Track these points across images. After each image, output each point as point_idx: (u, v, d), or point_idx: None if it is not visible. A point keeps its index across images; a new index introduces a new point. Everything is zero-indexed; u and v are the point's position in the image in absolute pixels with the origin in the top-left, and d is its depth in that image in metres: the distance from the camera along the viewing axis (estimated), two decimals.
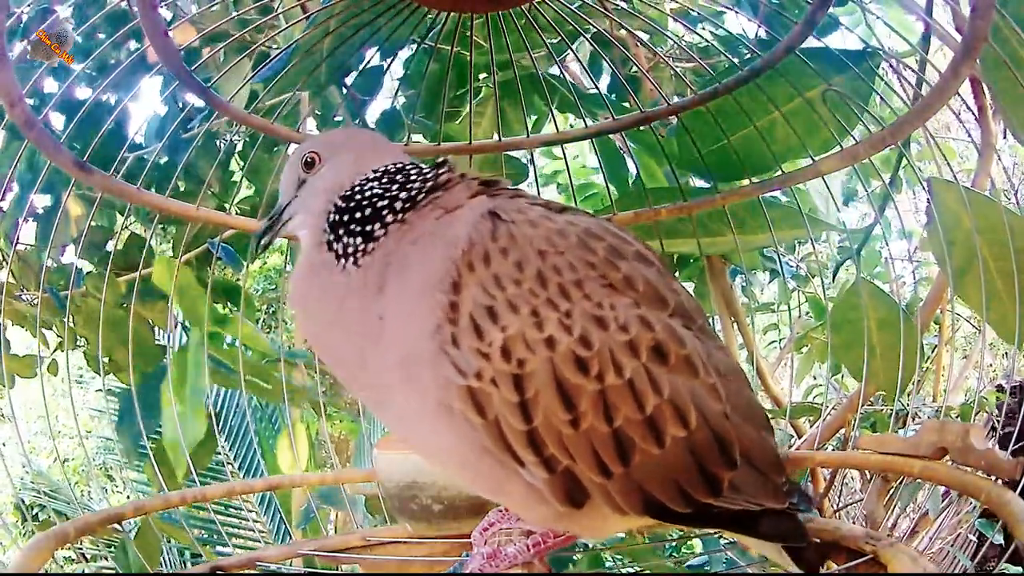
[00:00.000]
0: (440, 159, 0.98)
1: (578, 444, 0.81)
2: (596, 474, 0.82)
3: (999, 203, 1.38)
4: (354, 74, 1.89)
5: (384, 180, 0.94)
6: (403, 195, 0.92)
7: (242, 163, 2.24)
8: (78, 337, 2.10)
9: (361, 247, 0.89)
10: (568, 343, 0.81)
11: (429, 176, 0.94)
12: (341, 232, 0.91)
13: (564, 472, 0.82)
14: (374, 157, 0.98)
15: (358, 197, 0.93)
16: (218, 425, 3.59)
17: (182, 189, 1.96)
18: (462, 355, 0.81)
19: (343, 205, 0.93)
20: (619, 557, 2.15)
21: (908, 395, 1.43)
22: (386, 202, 0.91)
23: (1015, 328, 1.29)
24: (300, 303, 0.96)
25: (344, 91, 1.96)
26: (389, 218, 0.90)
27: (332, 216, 0.93)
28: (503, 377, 0.80)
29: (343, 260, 0.90)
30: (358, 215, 0.91)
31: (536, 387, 0.80)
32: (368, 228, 0.90)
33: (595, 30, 1.87)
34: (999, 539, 2.42)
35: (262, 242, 1.03)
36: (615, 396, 0.81)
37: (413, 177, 0.94)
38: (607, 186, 1.82)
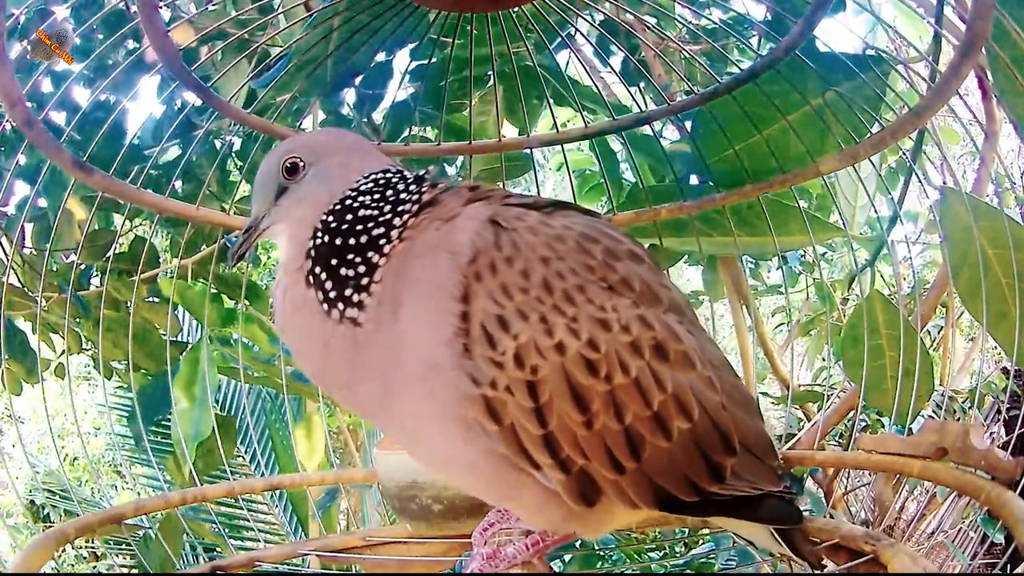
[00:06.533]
0: (419, 172, 0.95)
1: (592, 444, 0.83)
2: (610, 471, 0.84)
3: (1003, 212, 1.38)
4: (362, 73, 1.87)
5: (375, 196, 0.90)
6: (396, 218, 0.88)
7: (240, 163, 2.23)
8: (84, 340, 2.11)
9: (362, 288, 0.85)
10: (577, 347, 0.82)
11: (413, 188, 0.91)
12: (336, 266, 0.87)
13: (579, 472, 0.84)
14: (360, 163, 0.95)
15: (349, 218, 0.89)
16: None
17: (180, 192, 1.95)
18: (475, 365, 0.81)
19: (335, 225, 0.89)
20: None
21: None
22: (381, 228, 0.88)
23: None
24: (296, 346, 0.91)
25: (355, 91, 1.94)
26: (384, 243, 0.87)
27: (320, 238, 0.89)
28: (517, 384, 0.81)
29: (341, 305, 0.85)
30: (351, 248, 0.87)
31: (550, 391, 0.81)
32: (365, 264, 0.86)
33: (601, 18, 1.86)
34: (999, 538, 2.40)
35: (237, 253, 0.98)
36: (624, 395, 0.83)
37: (401, 190, 0.91)
38: (607, 186, 1.82)
